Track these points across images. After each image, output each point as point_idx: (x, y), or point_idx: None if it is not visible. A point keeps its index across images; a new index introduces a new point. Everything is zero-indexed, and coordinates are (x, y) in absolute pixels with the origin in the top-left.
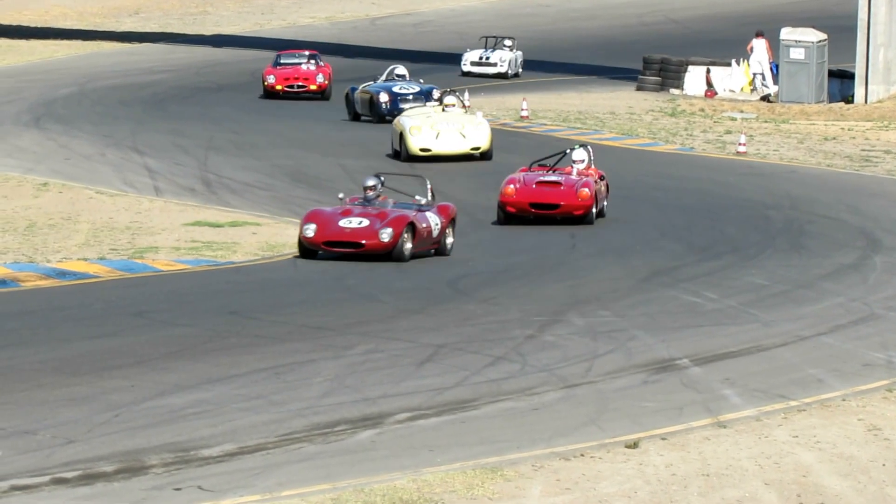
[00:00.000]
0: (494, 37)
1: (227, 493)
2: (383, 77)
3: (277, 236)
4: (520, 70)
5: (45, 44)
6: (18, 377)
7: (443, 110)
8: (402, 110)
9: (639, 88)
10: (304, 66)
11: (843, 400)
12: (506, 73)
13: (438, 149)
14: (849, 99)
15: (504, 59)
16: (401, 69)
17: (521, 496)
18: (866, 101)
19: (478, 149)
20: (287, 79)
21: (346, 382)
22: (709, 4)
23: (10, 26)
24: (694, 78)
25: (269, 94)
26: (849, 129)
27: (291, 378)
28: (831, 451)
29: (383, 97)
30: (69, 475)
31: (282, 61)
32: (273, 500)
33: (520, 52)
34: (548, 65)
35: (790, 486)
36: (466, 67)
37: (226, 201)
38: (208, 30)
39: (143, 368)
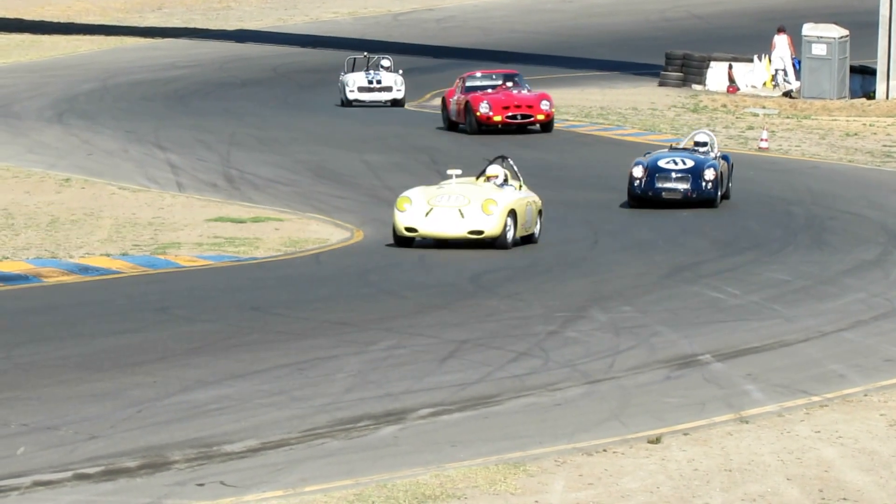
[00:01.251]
0: (367, 56)
1: (250, 489)
2: (684, 141)
3: (300, 232)
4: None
5: (67, 39)
6: (41, 373)
7: (486, 180)
8: (660, 192)
9: (661, 84)
10: (515, 91)
11: (865, 395)
12: (402, 99)
13: (426, 229)
14: (870, 95)
15: (398, 81)
16: (704, 135)
17: (544, 491)
18: (888, 97)
19: (479, 233)
20: (507, 107)
21: (368, 378)
22: (731, 0)
23: (33, 22)
24: (716, 74)
25: (482, 125)
26: (870, 125)
27: (314, 374)
28: (853, 447)
29: (637, 172)
30: (92, 471)
31: (473, 84)
32: (296, 496)
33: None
34: (570, 60)
35: (812, 481)
36: (352, 94)
37: (248, 197)
38: (231, 25)
39: (165, 364)
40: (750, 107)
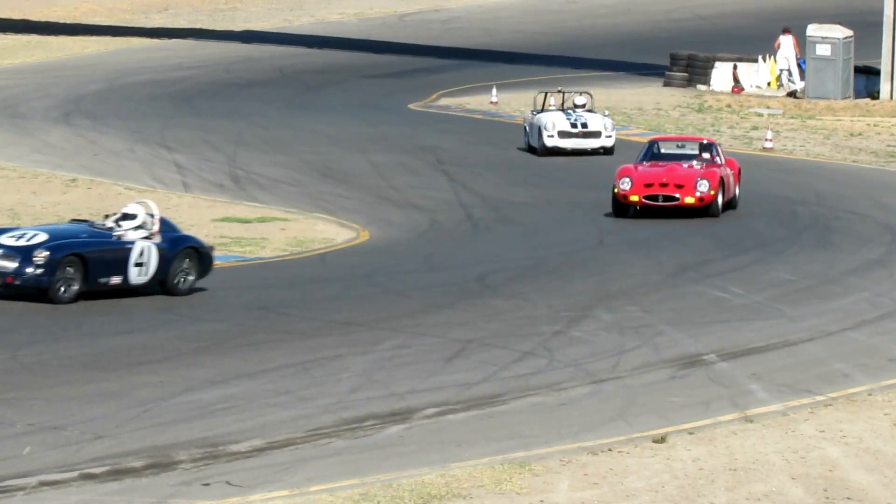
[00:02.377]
0: (561, 91)
1: (256, 488)
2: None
3: (306, 232)
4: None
5: (74, 40)
6: (47, 373)
7: None
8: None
9: (666, 84)
10: (684, 163)
11: (870, 394)
12: (613, 147)
13: None
14: (875, 95)
15: (607, 125)
16: (135, 206)
17: (549, 491)
18: (892, 97)
19: None
20: (650, 185)
21: (374, 378)
22: (736, 1)
23: (40, 22)
24: (721, 74)
25: (620, 206)
26: (874, 125)
27: (320, 373)
28: (857, 446)
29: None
30: (98, 470)
31: (658, 150)
32: (301, 495)
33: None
34: (575, 61)
35: (816, 480)
36: (551, 140)
37: (254, 197)
38: (237, 26)
39: (171, 364)
40: (754, 107)
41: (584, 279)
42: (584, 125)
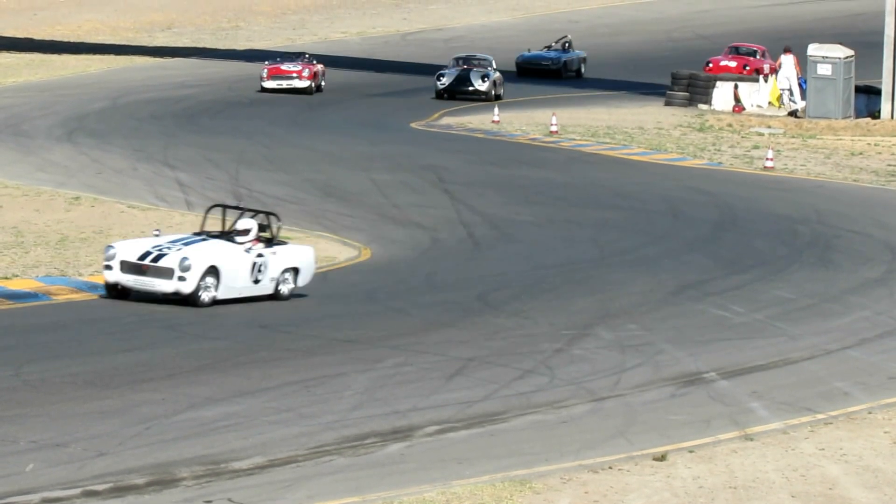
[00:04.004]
0: (240, 206)
1: None
2: None
3: None
4: None
5: (77, 58)
6: (50, 390)
7: None
8: None
9: (667, 104)
10: None
11: (870, 413)
12: (193, 294)
13: None
14: (875, 114)
15: (186, 265)
16: None
17: None
18: (893, 117)
19: None
20: None
21: (375, 395)
22: (737, 20)
23: (44, 41)
24: (722, 93)
25: None
26: (875, 145)
27: (321, 391)
28: (857, 464)
29: None
30: (100, 488)
31: None
32: None
33: None
34: (577, 80)
35: (816, 498)
36: (111, 275)
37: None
38: (240, 45)
39: (173, 381)
40: (755, 126)
41: (585, 297)
42: (158, 258)
